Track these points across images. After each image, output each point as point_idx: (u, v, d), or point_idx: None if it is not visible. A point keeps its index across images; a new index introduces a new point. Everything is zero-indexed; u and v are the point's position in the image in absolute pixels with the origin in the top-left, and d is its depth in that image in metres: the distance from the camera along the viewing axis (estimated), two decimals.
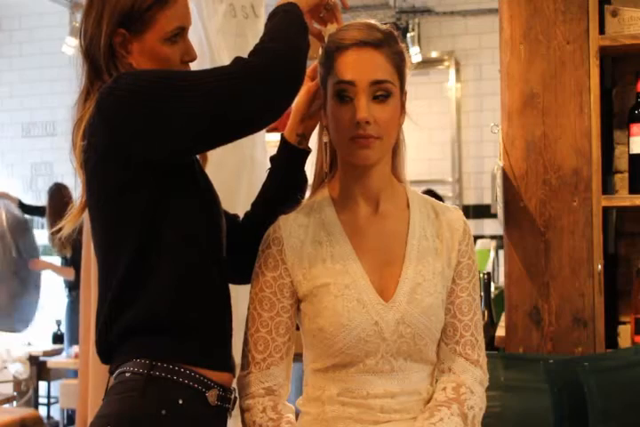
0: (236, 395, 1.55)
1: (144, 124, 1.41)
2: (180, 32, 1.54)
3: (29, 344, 5.79)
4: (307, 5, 1.51)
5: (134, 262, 1.45)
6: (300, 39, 1.46)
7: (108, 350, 1.50)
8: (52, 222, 5.48)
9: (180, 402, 1.42)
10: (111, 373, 1.49)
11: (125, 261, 1.45)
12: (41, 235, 6.69)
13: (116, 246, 1.47)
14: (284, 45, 1.42)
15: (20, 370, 5.77)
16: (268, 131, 3.10)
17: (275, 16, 1.48)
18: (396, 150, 1.58)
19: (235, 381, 1.56)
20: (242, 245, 1.62)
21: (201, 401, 1.45)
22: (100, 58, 1.52)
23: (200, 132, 1.41)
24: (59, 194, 5.59)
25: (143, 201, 1.44)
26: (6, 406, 4.52)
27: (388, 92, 1.48)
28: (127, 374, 1.43)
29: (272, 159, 1.66)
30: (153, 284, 1.44)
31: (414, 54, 5.82)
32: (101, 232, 1.51)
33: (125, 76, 1.47)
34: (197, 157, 1.60)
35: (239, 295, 1.76)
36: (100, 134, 1.45)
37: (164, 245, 1.45)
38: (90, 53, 1.53)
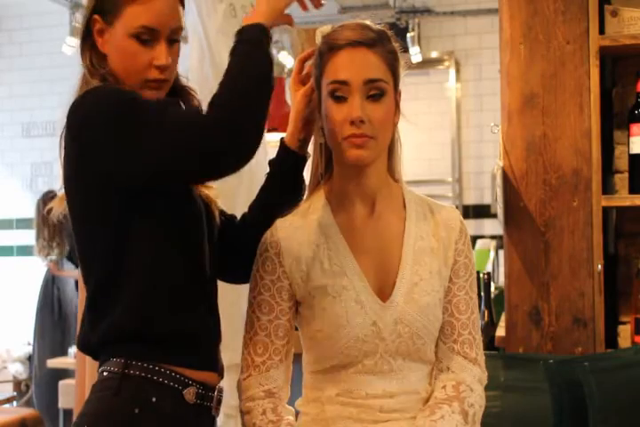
0: (221, 394, 1.54)
1: (109, 149, 1.39)
2: (149, 33, 1.48)
3: (29, 344, 5.79)
4: (272, 18, 1.47)
5: (109, 267, 1.44)
6: (260, 84, 1.40)
7: (94, 353, 1.51)
8: (40, 230, 5.50)
9: (154, 400, 1.41)
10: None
11: (99, 267, 1.45)
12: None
13: (91, 254, 1.48)
14: (241, 98, 1.37)
15: (20, 370, 5.77)
16: (268, 131, 3.09)
17: (235, 50, 1.43)
18: (391, 150, 1.57)
19: (222, 381, 1.56)
20: (238, 245, 1.62)
21: (176, 399, 1.44)
22: (82, 48, 1.53)
23: (155, 174, 1.38)
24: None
25: (115, 211, 1.44)
26: (6, 406, 4.52)
27: (382, 91, 1.48)
28: (105, 373, 1.44)
29: (271, 163, 1.65)
30: (130, 287, 1.43)
31: (414, 54, 5.80)
32: (78, 240, 1.51)
33: (91, 96, 1.45)
34: None
35: (241, 297, 1.76)
36: (69, 147, 1.48)
37: (139, 246, 1.44)
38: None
